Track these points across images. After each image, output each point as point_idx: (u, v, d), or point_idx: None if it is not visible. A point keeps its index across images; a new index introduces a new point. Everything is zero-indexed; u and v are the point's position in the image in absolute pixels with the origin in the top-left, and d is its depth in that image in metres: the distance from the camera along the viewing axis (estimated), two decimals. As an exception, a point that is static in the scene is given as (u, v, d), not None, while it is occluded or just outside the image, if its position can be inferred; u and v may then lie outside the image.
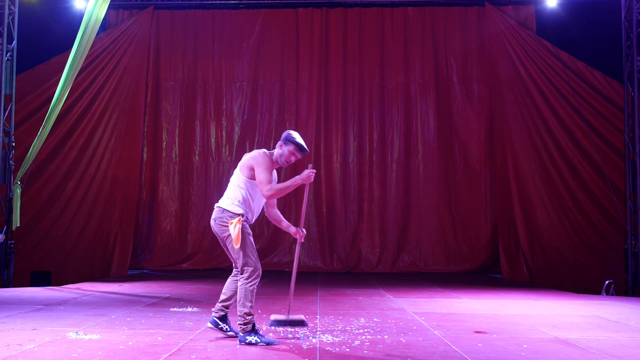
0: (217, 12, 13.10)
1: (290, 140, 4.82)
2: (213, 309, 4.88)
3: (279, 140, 4.92)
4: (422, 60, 12.92)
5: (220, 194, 14.15)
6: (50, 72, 11.59)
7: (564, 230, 11.64)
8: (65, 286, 9.09)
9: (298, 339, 4.96)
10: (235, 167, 5.02)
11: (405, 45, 12.94)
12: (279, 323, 5.44)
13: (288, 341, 4.86)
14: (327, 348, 4.60)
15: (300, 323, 5.47)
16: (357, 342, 4.86)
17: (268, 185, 4.63)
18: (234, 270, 4.81)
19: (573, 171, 11.66)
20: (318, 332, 5.23)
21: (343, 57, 12.96)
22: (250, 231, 4.74)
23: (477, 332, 5.47)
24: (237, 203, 4.74)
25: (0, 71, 10.17)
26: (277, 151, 4.88)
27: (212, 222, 4.80)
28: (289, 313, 5.57)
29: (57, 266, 11.61)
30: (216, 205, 4.84)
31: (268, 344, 4.63)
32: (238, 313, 4.63)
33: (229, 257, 4.81)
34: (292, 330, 5.31)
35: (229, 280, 4.86)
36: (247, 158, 4.82)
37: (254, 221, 4.94)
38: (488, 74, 12.76)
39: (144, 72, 12.82)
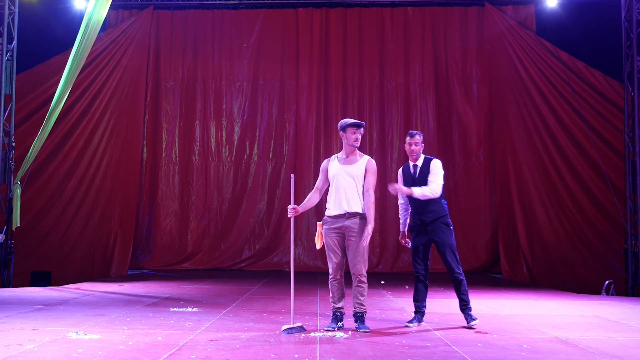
0: (217, 12, 13.10)
1: (345, 126, 5.39)
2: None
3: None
4: (421, 60, 12.92)
5: (220, 194, 14.06)
6: (50, 72, 11.58)
7: (564, 230, 11.63)
8: (65, 286, 9.09)
9: (299, 338, 4.96)
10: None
11: (405, 45, 12.94)
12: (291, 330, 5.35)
13: (288, 341, 4.86)
14: (327, 347, 4.60)
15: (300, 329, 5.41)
16: (357, 342, 4.86)
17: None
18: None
19: (573, 171, 11.64)
20: (318, 332, 5.23)
21: (343, 57, 12.95)
22: (326, 232, 5.41)
23: (477, 332, 5.47)
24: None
25: (0, 71, 10.17)
26: (343, 143, 5.44)
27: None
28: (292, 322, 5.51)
29: (57, 266, 11.60)
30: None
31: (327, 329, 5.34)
32: None
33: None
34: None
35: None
36: None
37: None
38: (488, 74, 12.75)
39: (144, 72, 12.82)
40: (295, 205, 5.40)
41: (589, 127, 11.08)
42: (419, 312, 5.81)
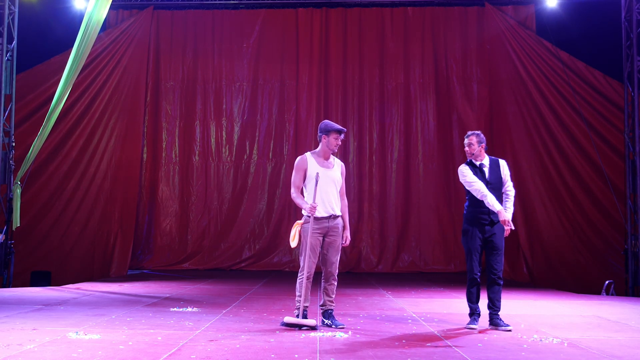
0: (217, 12, 13.10)
1: (329, 130, 5.49)
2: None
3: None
4: (422, 60, 12.92)
5: (220, 194, 14.06)
6: (50, 72, 11.58)
7: (564, 230, 11.63)
8: (65, 286, 9.09)
9: (299, 338, 4.96)
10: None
11: (405, 45, 12.94)
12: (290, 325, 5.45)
13: (288, 341, 4.86)
14: (327, 347, 4.60)
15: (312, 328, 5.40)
16: (357, 342, 4.86)
17: (293, 188, 5.51)
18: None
19: (573, 171, 11.65)
20: (318, 332, 5.23)
21: (343, 57, 12.96)
22: (311, 232, 5.39)
23: (477, 332, 5.47)
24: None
25: (0, 71, 10.17)
26: (322, 144, 5.53)
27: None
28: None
29: (57, 266, 11.60)
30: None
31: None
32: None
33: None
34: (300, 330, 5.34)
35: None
36: None
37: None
38: (488, 74, 12.75)
39: (144, 72, 12.82)
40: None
41: (589, 127, 11.08)
42: (476, 313, 5.75)
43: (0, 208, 10.20)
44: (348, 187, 12.49)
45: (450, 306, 7.28)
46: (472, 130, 6.02)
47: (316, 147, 5.67)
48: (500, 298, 5.71)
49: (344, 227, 5.59)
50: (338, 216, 5.52)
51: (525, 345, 4.81)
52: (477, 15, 12.83)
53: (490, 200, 5.52)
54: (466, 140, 5.86)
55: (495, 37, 12.49)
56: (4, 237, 9.77)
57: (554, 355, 4.45)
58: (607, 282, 9.75)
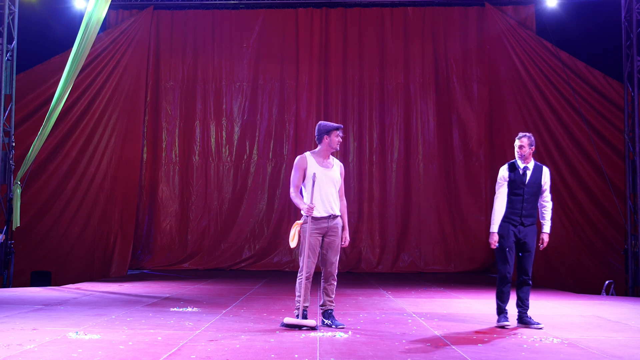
0: (217, 12, 13.10)
1: (330, 129, 5.50)
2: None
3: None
4: (422, 60, 12.92)
5: (220, 194, 14.12)
6: (50, 72, 11.56)
7: (564, 230, 11.61)
8: (65, 286, 9.09)
9: (299, 338, 4.96)
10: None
11: (405, 45, 12.94)
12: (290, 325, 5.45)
13: (288, 341, 4.86)
14: (327, 347, 4.60)
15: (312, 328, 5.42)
16: (357, 342, 4.86)
17: (292, 187, 5.51)
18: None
19: (573, 171, 11.64)
20: (318, 332, 5.23)
21: (343, 57, 12.95)
22: (310, 232, 5.41)
23: (477, 332, 5.47)
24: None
25: (0, 71, 10.17)
26: (323, 144, 5.53)
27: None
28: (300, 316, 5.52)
29: (57, 266, 11.58)
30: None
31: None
32: None
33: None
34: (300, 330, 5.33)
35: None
36: None
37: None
38: (488, 74, 12.76)
39: (143, 72, 12.82)
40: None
41: (589, 127, 11.07)
42: (505, 310, 5.86)
43: (0, 208, 10.20)
44: (348, 188, 12.50)
45: (450, 306, 7.28)
46: (523, 132, 5.95)
47: (316, 147, 5.67)
48: (529, 297, 5.88)
49: (342, 228, 5.59)
50: (337, 216, 5.54)
51: (525, 345, 4.81)
52: (477, 15, 12.83)
53: (495, 219, 5.90)
54: (518, 142, 5.85)
55: (495, 37, 12.49)
56: (4, 237, 9.77)
57: (554, 355, 4.45)
58: (607, 282, 9.75)
